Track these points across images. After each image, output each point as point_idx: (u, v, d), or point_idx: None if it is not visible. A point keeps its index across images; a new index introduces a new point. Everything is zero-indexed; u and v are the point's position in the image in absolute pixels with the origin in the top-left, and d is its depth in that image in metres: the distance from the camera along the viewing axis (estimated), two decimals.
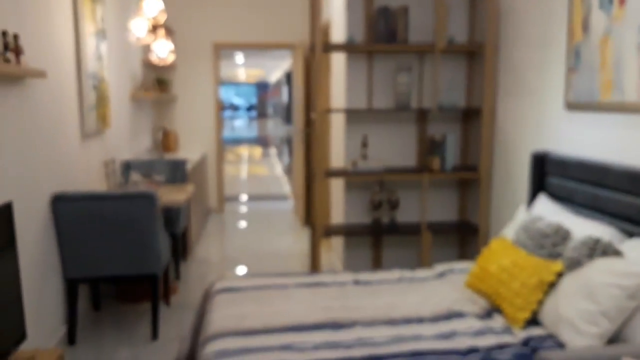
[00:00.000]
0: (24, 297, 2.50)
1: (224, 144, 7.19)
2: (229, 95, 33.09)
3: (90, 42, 3.68)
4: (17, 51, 2.52)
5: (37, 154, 2.88)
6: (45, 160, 2.99)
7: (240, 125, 30.27)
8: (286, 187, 9.64)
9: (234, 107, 34.39)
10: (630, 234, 2.25)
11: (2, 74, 2.42)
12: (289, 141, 11.18)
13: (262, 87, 32.47)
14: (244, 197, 8.70)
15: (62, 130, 3.26)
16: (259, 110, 34.03)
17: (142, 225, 3.23)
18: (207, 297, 2.61)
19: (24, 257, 2.65)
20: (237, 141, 21.05)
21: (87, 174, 3.72)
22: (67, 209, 3.12)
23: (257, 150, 17.88)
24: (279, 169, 12.72)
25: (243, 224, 6.69)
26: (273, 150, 17.43)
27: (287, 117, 13.80)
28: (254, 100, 34.81)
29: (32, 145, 2.82)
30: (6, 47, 2.45)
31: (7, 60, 2.44)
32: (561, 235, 2.31)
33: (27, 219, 2.76)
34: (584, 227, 2.35)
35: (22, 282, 2.48)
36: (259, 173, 12.28)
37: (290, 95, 14.17)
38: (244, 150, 17.62)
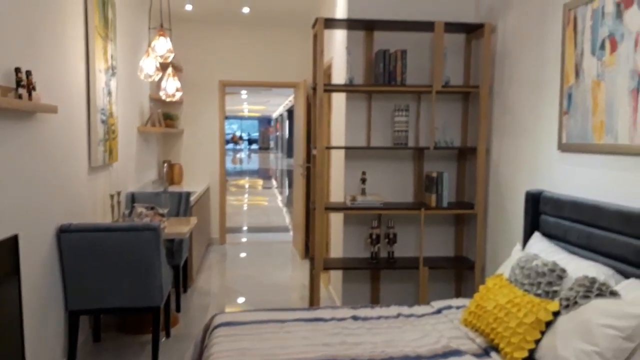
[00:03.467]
0: (24, 328, 2.44)
1: (226, 176, 7.17)
2: (232, 128, 33.38)
3: (100, 79, 3.69)
4: (29, 87, 2.52)
5: (45, 186, 2.85)
6: (52, 193, 2.96)
7: (242, 157, 30.38)
8: (286, 219, 9.59)
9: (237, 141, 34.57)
10: (625, 274, 2.20)
11: (13, 109, 2.41)
12: (289, 174, 11.20)
13: (264, 122, 32.70)
14: (245, 229, 8.63)
15: (71, 163, 3.24)
16: (261, 144, 34.21)
17: (145, 258, 3.18)
18: (206, 331, 2.54)
19: (26, 288, 2.58)
20: (240, 173, 21.06)
21: (93, 206, 3.68)
22: (72, 241, 3.07)
23: (259, 182, 17.87)
24: (279, 200, 12.68)
25: (244, 255, 6.61)
26: (274, 183, 17.41)
27: (289, 150, 13.88)
28: (256, 134, 35.05)
29: (40, 178, 2.79)
30: (19, 83, 2.45)
31: (19, 97, 2.43)
32: (557, 274, 2.26)
33: (32, 251, 2.71)
34: (579, 266, 2.30)
35: (23, 313, 2.41)
36: (260, 204, 12.23)
37: (291, 130, 14.30)
38: (246, 182, 17.60)
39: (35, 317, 2.73)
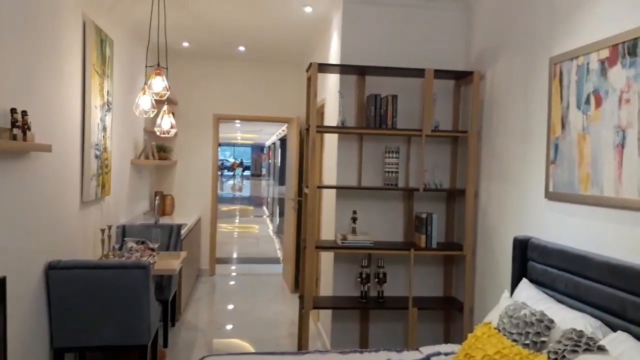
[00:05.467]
0: None
1: (217, 203, 7.12)
2: (225, 155, 33.36)
3: (95, 114, 3.68)
4: (24, 127, 2.50)
5: (36, 223, 2.80)
6: (43, 230, 2.91)
7: (241, 186, 30.25)
8: (277, 248, 9.51)
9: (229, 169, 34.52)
10: (612, 326, 2.18)
11: (8, 150, 2.39)
12: (281, 201, 11.17)
13: (257, 149, 32.76)
14: (235, 260, 8.54)
15: (63, 199, 3.19)
16: (253, 170, 34.20)
17: (134, 296, 3.11)
18: None
19: (11, 324, 2.51)
20: (231, 200, 20.96)
21: (84, 240, 3.62)
22: (60, 278, 3.01)
23: (250, 209, 17.77)
24: (270, 230, 12.59)
25: (233, 288, 6.51)
26: (265, 211, 17.33)
27: (281, 178, 13.88)
28: (248, 161, 35.06)
29: (31, 215, 2.74)
30: (14, 124, 2.43)
31: (13, 137, 2.41)
32: (545, 324, 2.23)
33: (20, 288, 2.64)
34: (567, 317, 2.28)
35: (7, 350, 2.34)
36: (251, 232, 12.14)
37: (283, 158, 14.32)
38: (237, 209, 17.50)
39: (18, 355, 2.64)
